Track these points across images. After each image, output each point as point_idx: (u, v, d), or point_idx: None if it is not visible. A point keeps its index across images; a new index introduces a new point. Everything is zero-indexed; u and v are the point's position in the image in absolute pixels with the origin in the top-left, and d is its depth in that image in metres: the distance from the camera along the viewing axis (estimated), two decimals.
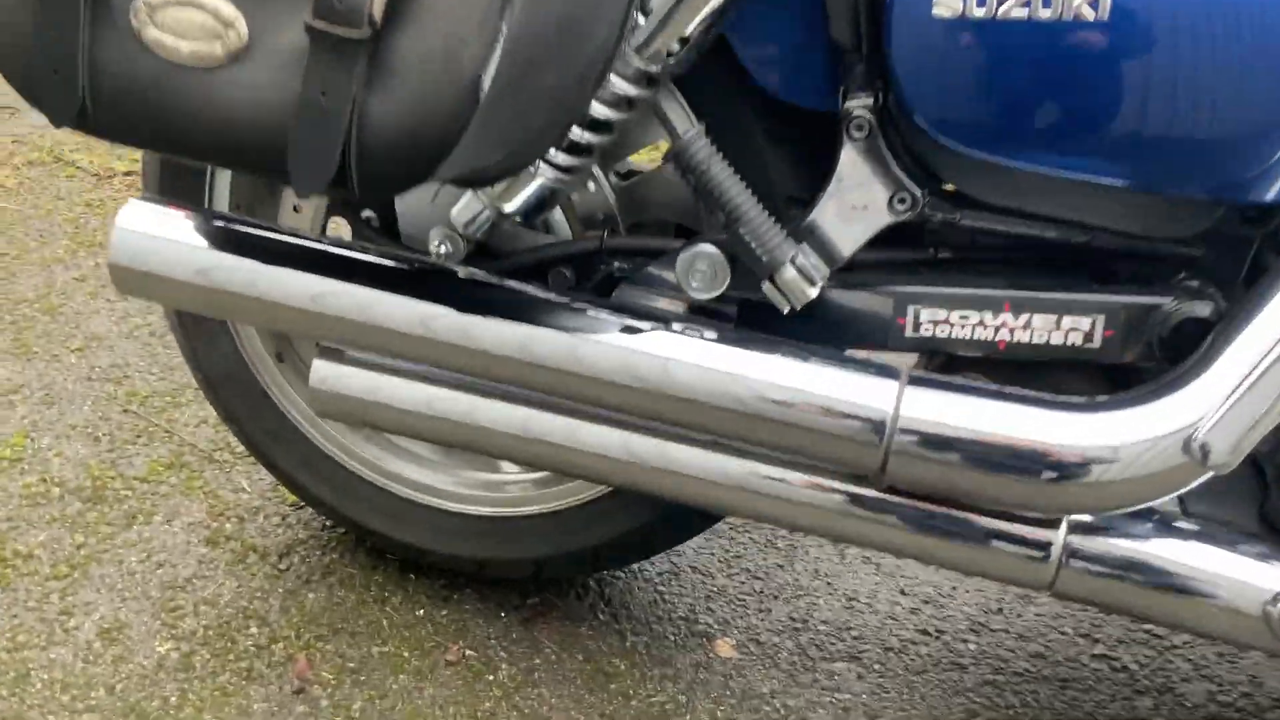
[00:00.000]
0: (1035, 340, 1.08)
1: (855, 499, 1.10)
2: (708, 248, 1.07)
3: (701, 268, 1.06)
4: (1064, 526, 1.05)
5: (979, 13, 0.95)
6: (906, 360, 1.14)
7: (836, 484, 1.10)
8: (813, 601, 1.53)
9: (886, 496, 1.09)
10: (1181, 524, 1.06)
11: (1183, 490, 0.98)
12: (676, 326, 1.06)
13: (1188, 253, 1.06)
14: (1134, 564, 1.04)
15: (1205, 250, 1.06)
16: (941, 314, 1.09)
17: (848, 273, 1.11)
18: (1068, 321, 1.06)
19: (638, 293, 1.12)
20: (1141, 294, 1.05)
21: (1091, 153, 0.99)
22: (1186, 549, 1.04)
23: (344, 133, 0.82)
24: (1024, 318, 1.07)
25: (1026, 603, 1.52)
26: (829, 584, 1.56)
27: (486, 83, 0.81)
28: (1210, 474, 0.96)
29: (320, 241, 1.12)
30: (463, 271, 1.10)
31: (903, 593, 1.54)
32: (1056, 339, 1.07)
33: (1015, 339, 1.08)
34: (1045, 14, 0.94)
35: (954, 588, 1.54)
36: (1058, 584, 1.07)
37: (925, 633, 1.48)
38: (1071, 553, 1.05)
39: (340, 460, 1.47)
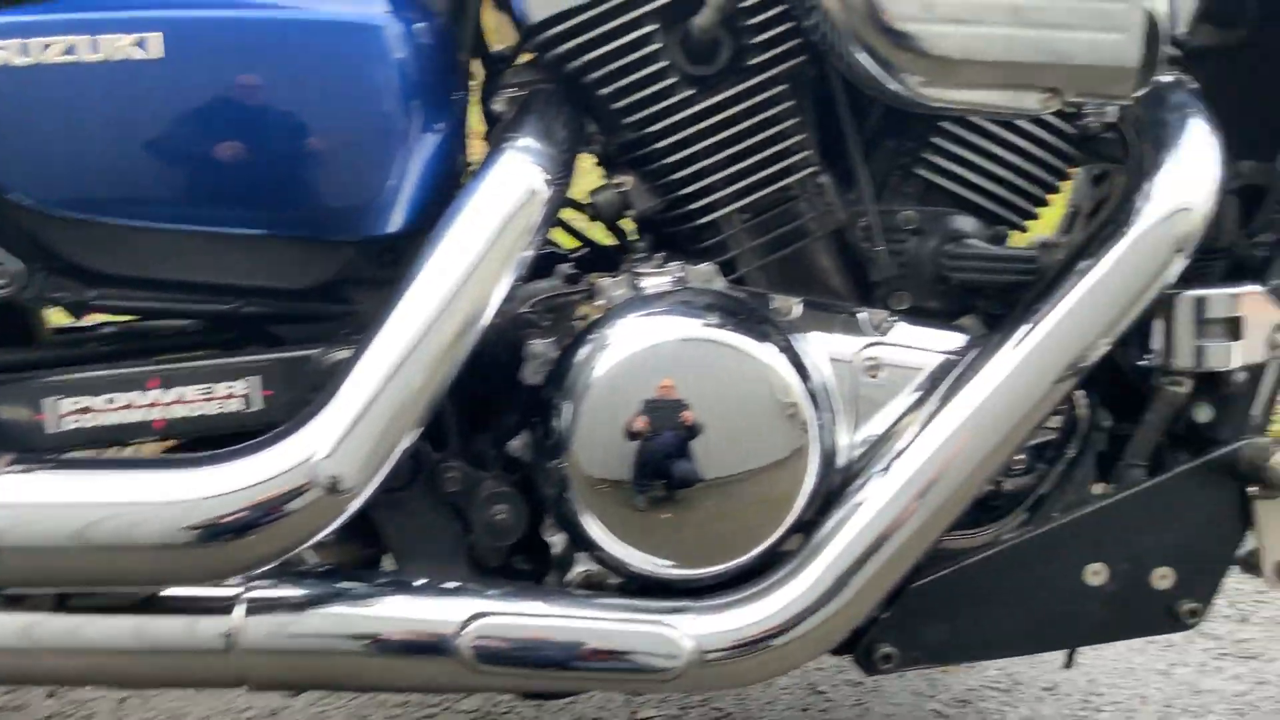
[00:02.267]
0: (192, 414, 0.99)
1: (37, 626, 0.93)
2: None
3: None
4: (239, 611, 0.95)
5: (21, 60, 0.89)
6: None
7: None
8: None
9: (72, 617, 0.94)
10: (367, 583, 0.99)
11: (335, 525, 0.91)
12: None
13: (347, 307, 1.05)
14: (318, 635, 0.96)
15: (363, 302, 1.04)
16: (84, 401, 0.98)
17: None
18: (222, 388, 1.00)
19: None
20: (288, 349, 1.01)
21: (181, 200, 0.95)
22: (374, 606, 0.97)
23: None
24: (175, 392, 0.99)
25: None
26: None
27: None
28: (353, 501, 0.91)
29: None
30: None
31: None
32: (214, 408, 0.99)
33: (172, 415, 0.99)
34: (94, 56, 0.89)
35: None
36: (248, 676, 0.96)
37: None
38: (250, 639, 0.95)
39: None
